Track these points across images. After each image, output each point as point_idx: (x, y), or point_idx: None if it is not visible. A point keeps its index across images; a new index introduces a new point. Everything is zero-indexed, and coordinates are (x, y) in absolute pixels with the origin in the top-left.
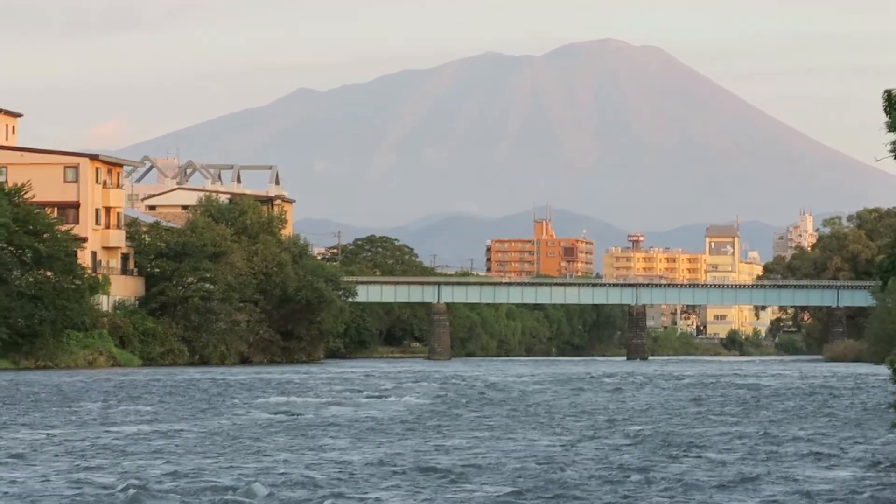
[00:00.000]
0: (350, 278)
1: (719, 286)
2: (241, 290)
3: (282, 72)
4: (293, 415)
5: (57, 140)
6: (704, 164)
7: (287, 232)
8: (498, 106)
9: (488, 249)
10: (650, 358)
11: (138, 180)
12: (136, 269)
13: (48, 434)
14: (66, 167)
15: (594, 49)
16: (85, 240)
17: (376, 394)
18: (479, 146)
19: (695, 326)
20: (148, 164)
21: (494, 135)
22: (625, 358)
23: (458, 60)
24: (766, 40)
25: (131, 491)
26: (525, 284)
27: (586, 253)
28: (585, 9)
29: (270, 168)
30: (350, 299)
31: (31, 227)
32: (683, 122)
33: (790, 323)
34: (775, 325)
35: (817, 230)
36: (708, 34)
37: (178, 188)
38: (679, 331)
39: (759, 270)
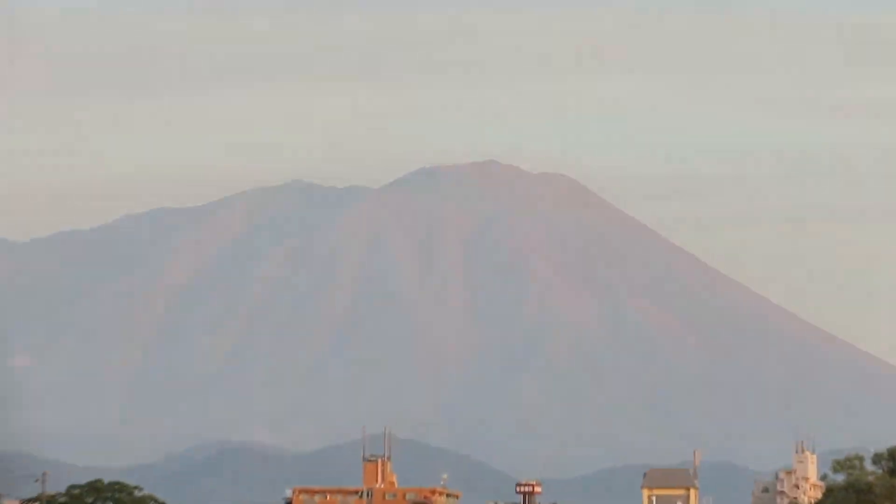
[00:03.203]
0: None
1: None
2: None
3: None
4: None
5: None
6: (636, 359)
7: None
8: (304, 266)
9: (288, 503)
10: None
11: None
12: None
13: None
14: None
15: (463, 174)
16: None
17: None
18: (273, 334)
19: None
20: None
21: (299, 315)
22: None
23: (239, 194)
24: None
25: None
26: None
27: None
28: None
29: None
30: None
31: None
32: (601, 288)
33: None
34: None
35: (824, 477)
36: (629, 163)
37: None
38: None
39: None
